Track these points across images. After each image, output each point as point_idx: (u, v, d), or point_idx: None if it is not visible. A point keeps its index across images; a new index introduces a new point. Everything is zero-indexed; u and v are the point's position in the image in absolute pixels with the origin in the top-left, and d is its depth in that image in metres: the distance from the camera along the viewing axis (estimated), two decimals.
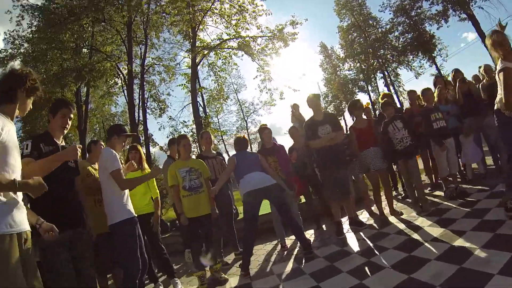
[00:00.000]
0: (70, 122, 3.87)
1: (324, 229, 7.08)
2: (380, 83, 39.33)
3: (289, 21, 19.44)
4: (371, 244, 5.17)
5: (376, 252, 4.75)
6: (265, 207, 6.21)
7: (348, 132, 6.96)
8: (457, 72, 7.90)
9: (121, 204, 4.21)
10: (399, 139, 6.30)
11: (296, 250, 6.05)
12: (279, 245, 6.51)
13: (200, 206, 5.34)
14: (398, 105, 22.88)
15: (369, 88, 39.64)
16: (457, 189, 6.38)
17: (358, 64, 39.27)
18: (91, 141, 5.74)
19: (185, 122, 22.97)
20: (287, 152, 7.09)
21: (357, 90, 40.67)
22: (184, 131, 22.66)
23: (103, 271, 5.05)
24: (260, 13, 19.92)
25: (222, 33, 20.77)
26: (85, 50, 21.97)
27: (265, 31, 20.02)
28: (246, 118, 38.62)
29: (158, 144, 23.06)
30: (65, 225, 3.40)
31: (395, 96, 34.07)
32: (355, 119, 6.76)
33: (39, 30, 19.41)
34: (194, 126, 19.99)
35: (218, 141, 33.28)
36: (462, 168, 7.73)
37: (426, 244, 4.51)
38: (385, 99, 7.16)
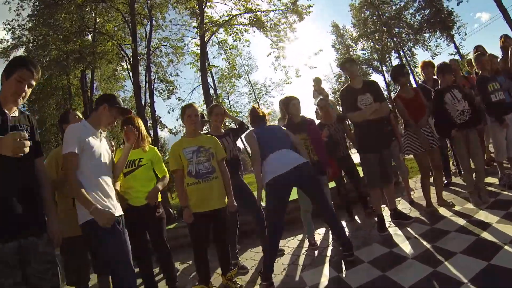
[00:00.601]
0: (28, 91, 2.73)
1: (358, 221, 5.96)
2: (395, 63, 38.02)
3: None
4: (428, 246, 4.01)
5: (440, 258, 3.58)
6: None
7: (394, 102, 5.73)
8: (507, 38, 6.78)
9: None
10: (460, 111, 5.11)
11: (329, 249, 4.91)
12: (306, 241, 5.40)
13: (211, 198, 4.08)
14: (414, 85, 22.07)
15: (384, 68, 38.22)
16: None
17: (372, 43, 37.82)
18: (64, 113, 4.49)
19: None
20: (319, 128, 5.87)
21: (371, 71, 39.23)
22: None
23: (81, 279, 3.98)
24: None
25: (232, 9, 19.55)
26: (89, 36, 21.25)
27: (278, 4, 18.73)
28: (258, 100, 37.29)
29: (167, 127, 21.73)
30: (10, 232, 2.36)
31: (411, 77, 33.28)
32: (399, 88, 5.59)
33: (38, 15, 18.55)
34: (204, 107, 18.93)
35: (230, 123, 32.37)
36: None
37: (506, 247, 3.40)
38: (442, 62, 5.93)
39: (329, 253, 4.78)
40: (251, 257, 5.46)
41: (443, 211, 5.11)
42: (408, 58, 36.14)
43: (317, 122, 6.09)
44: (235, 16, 19.12)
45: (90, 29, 20.42)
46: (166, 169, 4.56)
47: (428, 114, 5.36)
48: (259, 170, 4.41)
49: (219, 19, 19.06)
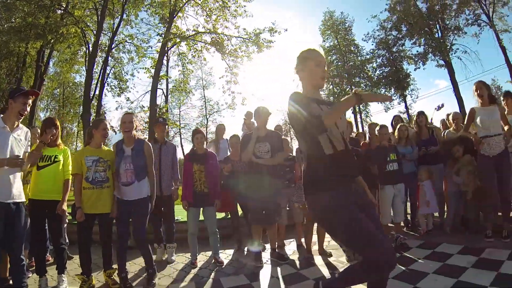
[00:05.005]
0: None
1: (245, 252, 6.37)
2: (348, 110, 39.32)
3: (268, 28, 18.92)
4: (282, 286, 4.57)
5: None
6: None
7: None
8: (420, 116, 7.40)
9: None
10: None
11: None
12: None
13: (99, 203, 4.69)
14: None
15: None
16: (397, 240, 5.84)
17: (332, 86, 39.04)
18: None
19: (143, 107, 22.06)
20: (224, 162, 6.53)
21: None
22: (142, 116, 21.88)
23: None
24: (240, 12, 19.36)
25: (199, 25, 20.06)
26: (58, 12, 20.86)
27: (242, 32, 19.43)
28: (208, 116, 37.56)
29: (109, 124, 21.50)
30: None
31: (360, 126, 34.76)
32: None
33: None
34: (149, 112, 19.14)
35: (175, 134, 32.37)
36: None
37: None
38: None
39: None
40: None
41: (318, 259, 5.59)
42: (361, 108, 37.61)
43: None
44: (200, 33, 19.60)
45: (62, 7, 20.28)
46: (70, 172, 4.92)
47: None
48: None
49: (185, 32, 19.37)
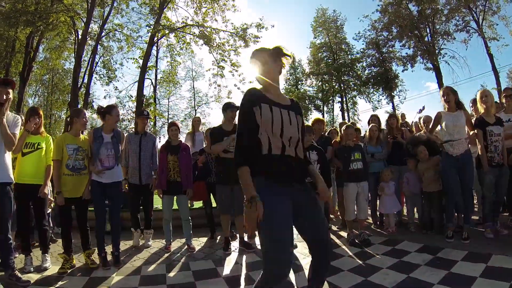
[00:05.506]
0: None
1: (217, 239, 6.85)
2: (336, 107, 39.60)
3: (255, 23, 19.03)
4: (243, 271, 4.96)
5: (242, 283, 4.53)
6: None
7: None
8: (391, 118, 7.73)
9: None
10: None
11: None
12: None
13: (77, 188, 5.14)
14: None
15: (325, 108, 39.89)
16: (361, 236, 6.11)
17: (320, 83, 39.32)
18: None
19: (131, 96, 22.26)
20: (198, 153, 6.98)
21: (312, 108, 40.38)
22: (129, 106, 22.21)
23: None
24: (228, 7, 19.55)
25: (188, 17, 20.19)
26: None
27: (230, 26, 19.56)
28: (196, 108, 37.68)
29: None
30: None
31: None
32: None
33: None
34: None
35: (163, 124, 32.19)
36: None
37: None
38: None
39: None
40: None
41: None
42: (350, 106, 37.97)
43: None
44: (189, 25, 19.70)
45: None
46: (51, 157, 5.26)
47: None
48: None
49: (174, 23, 19.54)
